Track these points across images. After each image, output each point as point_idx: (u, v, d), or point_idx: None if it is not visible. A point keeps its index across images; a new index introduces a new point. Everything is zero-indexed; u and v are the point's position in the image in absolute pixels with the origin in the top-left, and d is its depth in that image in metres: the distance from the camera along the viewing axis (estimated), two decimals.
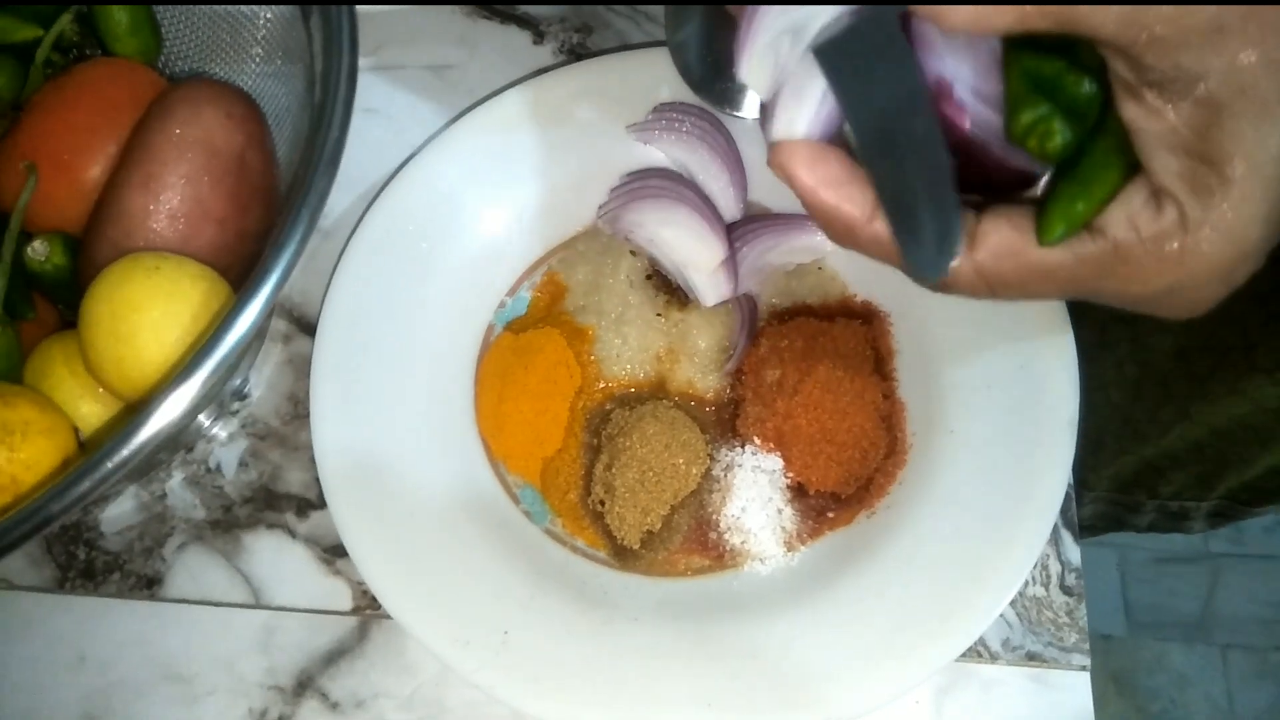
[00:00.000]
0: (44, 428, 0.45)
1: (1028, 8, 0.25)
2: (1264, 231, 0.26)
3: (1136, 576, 1.57)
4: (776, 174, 0.32)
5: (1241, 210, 0.26)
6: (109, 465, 0.38)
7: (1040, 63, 0.28)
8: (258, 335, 0.58)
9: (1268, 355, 0.61)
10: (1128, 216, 0.27)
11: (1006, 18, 0.26)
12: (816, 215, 0.32)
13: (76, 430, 0.48)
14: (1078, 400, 0.50)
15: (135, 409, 0.47)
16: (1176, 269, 0.27)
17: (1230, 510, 0.80)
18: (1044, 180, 0.31)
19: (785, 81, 0.32)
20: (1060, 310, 0.52)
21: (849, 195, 0.31)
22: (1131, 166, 0.28)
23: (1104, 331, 0.69)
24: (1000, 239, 0.29)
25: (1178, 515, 0.82)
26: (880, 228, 0.31)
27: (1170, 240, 0.27)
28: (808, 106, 0.31)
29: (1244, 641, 1.52)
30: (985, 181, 0.32)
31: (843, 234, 0.32)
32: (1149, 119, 0.26)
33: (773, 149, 0.32)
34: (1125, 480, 0.79)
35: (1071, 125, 0.28)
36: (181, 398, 0.39)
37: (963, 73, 0.30)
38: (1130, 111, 0.26)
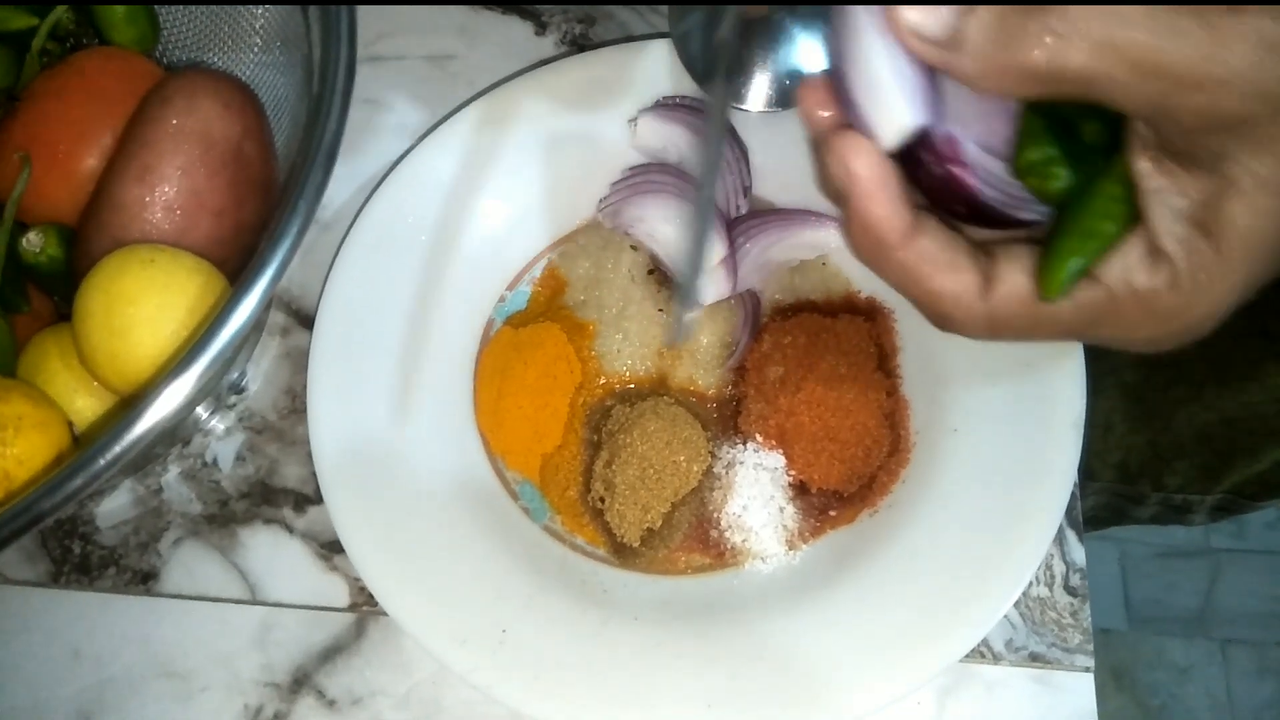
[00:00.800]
0: (37, 422, 0.45)
1: (1059, 81, 0.25)
2: (1236, 300, 0.28)
3: (1137, 571, 1.57)
4: (833, 166, 0.30)
5: (1226, 282, 0.27)
6: (102, 461, 0.37)
7: (1058, 104, 0.29)
8: (255, 328, 0.57)
9: None
10: (1124, 269, 0.28)
11: (1036, 88, 0.26)
12: (857, 219, 0.31)
13: (71, 425, 0.48)
14: (1084, 400, 0.49)
15: (130, 403, 0.47)
16: (1160, 324, 0.29)
17: (1233, 504, 0.79)
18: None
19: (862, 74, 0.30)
20: None
21: (897, 210, 0.30)
22: (1131, 217, 0.28)
23: None
24: (1013, 287, 0.30)
25: (1180, 508, 0.82)
26: (910, 256, 0.30)
27: (1160, 298, 0.28)
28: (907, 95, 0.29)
29: (1244, 636, 1.52)
30: (990, 225, 0.32)
31: (873, 248, 0.31)
32: (1161, 181, 0.27)
33: (839, 137, 0.30)
34: (1130, 470, 0.79)
35: (1075, 170, 0.29)
36: (176, 392, 0.38)
37: (974, 128, 0.30)
38: (1143, 168, 0.27)
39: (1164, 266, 0.27)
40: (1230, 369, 0.65)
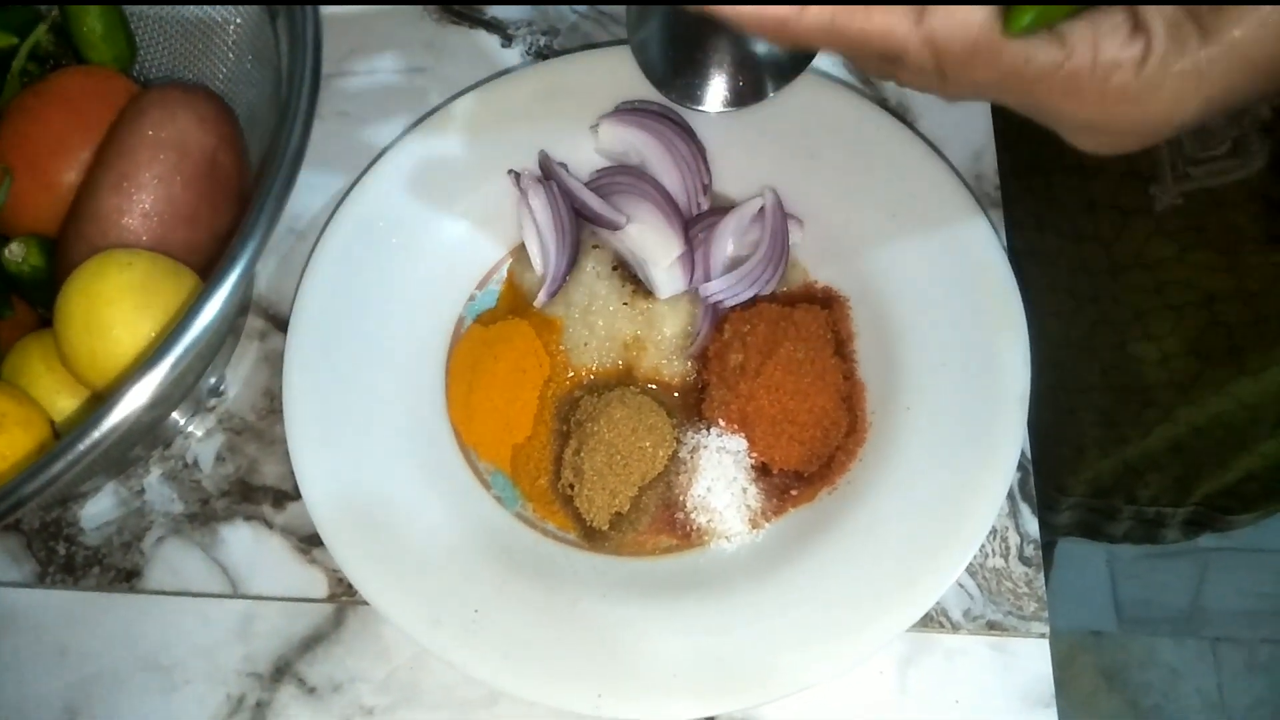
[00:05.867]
0: (20, 419, 0.46)
1: None
2: (1198, 111, 0.26)
3: (1126, 572, 1.57)
4: None
5: (1198, 86, 0.25)
6: (81, 446, 0.39)
7: None
8: (232, 332, 0.59)
9: (1254, 359, 0.62)
10: (1094, 35, 0.26)
11: None
12: (746, 20, 0.28)
13: (52, 423, 0.49)
14: (1029, 375, 0.51)
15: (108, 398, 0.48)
16: (1110, 106, 0.27)
17: (1205, 518, 0.80)
18: None
19: None
20: (1012, 291, 0.53)
21: None
22: None
23: (1090, 336, 0.70)
24: (960, 14, 0.27)
25: (1154, 522, 0.82)
26: (814, 15, 0.28)
27: (1121, 75, 0.26)
28: None
29: (1233, 634, 1.53)
30: None
31: (775, 29, 0.28)
32: None
33: None
34: (1104, 485, 0.80)
35: None
36: (152, 381, 0.40)
37: None
38: None
39: (1139, 41, 0.25)
40: (1200, 390, 0.66)
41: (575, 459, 0.53)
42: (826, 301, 0.57)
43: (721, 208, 0.59)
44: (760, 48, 0.59)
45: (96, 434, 0.39)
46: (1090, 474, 0.79)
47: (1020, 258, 0.70)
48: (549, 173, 0.59)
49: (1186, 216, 0.59)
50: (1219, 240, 0.59)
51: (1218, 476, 0.75)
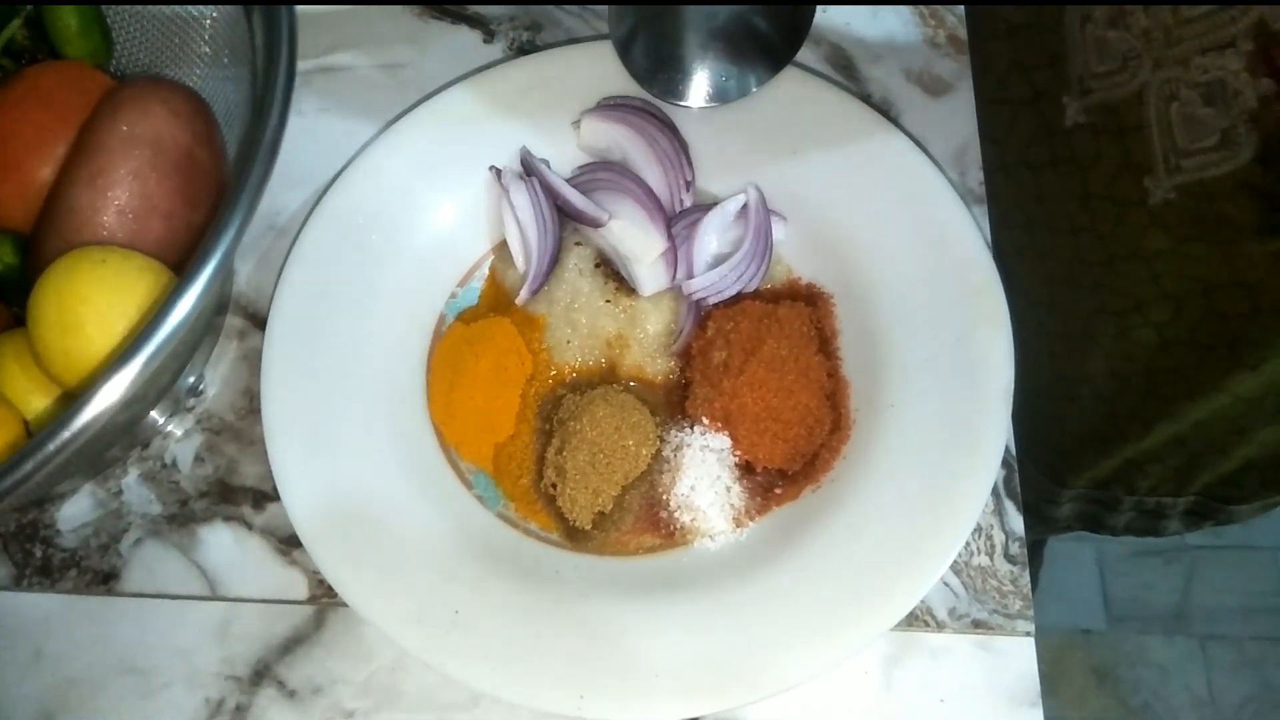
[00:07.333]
0: None
1: None
2: None
3: (1115, 570, 1.58)
4: None
5: None
6: (52, 446, 0.38)
7: None
8: (211, 331, 0.58)
9: (1251, 350, 0.62)
10: None
11: None
12: None
13: (27, 424, 0.49)
14: (1012, 370, 0.51)
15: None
16: None
17: (1205, 508, 0.80)
18: None
19: None
20: (995, 286, 0.53)
21: None
22: None
23: (1089, 326, 0.70)
24: None
25: (1154, 513, 0.82)
26: None
27: None
28: None
29: (1222, 632, 1.54)
30: None
31: None
32: None
33: None
34: (1104, 475, 0.80)
35: None
36: (123, 380, 0.40)
37: None
38: None
39: None
40: (1200, 382, 0.66)
41: (558, 458, 0.53)
42: (810, 298, 0.57)
43: (704, 204, 0.59)
44: (743, 42, 0.59)
45: (68, 433, 0.39)
46: (1091, 464, 0.79)
47: (1011, 253, 0.70)
48: (531, 169, 0.59)
49: (1181, 209, 0.59)
50: (1214, 232, 0.59)
51: (1217, 465, 0.75)
